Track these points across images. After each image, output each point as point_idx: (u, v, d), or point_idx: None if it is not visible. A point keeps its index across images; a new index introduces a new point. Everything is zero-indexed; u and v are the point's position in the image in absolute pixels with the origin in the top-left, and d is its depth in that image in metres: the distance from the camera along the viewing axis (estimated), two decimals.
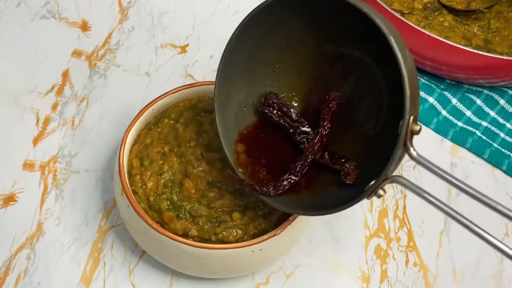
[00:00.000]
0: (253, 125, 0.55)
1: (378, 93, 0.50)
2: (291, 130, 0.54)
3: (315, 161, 0.52)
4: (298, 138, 0.54)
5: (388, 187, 0.66)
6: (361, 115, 0.53)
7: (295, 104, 0.56)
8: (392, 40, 0.43)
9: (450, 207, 0.42)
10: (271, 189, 0.51)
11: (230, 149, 0.54)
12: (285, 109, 0.54)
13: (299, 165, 0.51)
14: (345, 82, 0.54)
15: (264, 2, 0.49)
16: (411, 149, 0.42)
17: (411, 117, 0.42)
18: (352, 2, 0.45)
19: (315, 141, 0.51)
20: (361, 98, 0.53)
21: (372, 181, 0.45)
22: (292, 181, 0.51)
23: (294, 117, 0.54)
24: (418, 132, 0.42)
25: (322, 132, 0.51)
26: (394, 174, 0.45)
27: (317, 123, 0.53)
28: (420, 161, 0.43)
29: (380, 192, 0.45)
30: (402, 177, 0.45)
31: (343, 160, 0.51)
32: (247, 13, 0.50)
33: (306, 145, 0.53)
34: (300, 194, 0.52)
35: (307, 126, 0.54)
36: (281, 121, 0.54)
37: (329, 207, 0.49)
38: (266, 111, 0.54)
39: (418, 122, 0.43)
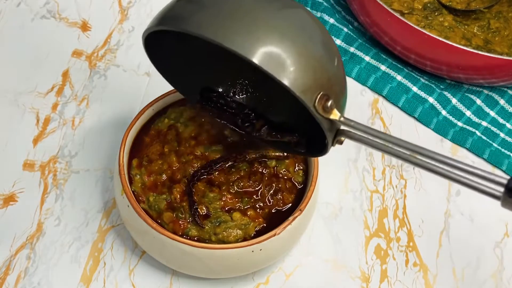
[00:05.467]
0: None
1: None
2: (234, 119, 0.56)
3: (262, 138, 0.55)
4: (240, 123, 0.56)
5: (388, 187, 0.66)
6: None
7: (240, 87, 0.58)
8: (250, 60, 0.43)
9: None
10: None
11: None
12: (223, 101, 0.56)
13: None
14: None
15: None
16: (336, 119, 0.46)
17: (316, 100, 0.45)
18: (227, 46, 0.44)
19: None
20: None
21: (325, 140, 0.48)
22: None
23: (233, 106, 0.56)
24: (331, 106, 0.45)
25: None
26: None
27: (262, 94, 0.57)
28: (348, 124, 0.46)
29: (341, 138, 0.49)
30: (348, 130, 0.48)
31: (288, 132, 0.54)
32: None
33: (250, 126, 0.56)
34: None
35: (247, 110, 0.56)
36: (223, 111, 0.56)
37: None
38: (205, 106, 0.56)
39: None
